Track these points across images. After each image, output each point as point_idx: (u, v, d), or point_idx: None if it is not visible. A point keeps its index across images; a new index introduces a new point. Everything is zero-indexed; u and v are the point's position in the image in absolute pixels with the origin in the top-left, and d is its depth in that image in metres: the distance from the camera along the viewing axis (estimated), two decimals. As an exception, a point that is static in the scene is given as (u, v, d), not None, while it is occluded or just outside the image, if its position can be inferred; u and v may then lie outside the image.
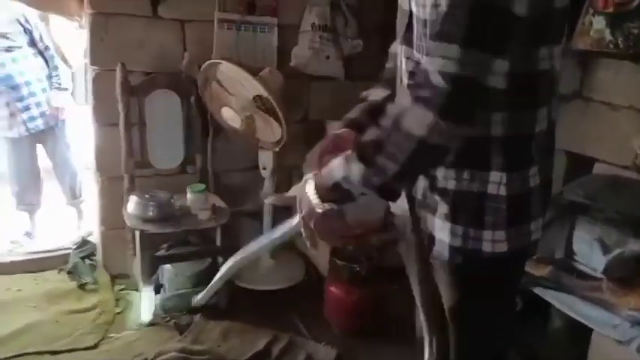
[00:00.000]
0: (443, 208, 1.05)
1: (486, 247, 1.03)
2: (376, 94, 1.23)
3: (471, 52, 0.81)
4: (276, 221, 2.69)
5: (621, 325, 1.84)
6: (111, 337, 2.17)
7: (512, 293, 1.19)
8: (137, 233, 2.15)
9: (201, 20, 2.49)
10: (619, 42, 2.02)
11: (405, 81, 1.08)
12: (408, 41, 1.05)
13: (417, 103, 0.85)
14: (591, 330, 1.95)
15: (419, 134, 0.84)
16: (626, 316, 1.83)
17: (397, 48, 1.16)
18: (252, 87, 2.21)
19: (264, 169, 2.54)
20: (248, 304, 2.44)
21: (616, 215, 1.98)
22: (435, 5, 0.91)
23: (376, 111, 1.14)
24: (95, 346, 2.09)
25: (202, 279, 2.39)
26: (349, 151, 0.95)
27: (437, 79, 0.82)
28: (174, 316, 2.34)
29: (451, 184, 1.03)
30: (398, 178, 0.92)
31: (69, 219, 3.20)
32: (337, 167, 0.96)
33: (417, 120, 0.84)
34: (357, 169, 0.92)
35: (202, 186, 2.36)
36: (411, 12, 1.03)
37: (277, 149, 2.38)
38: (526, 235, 1.05)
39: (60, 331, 2.17)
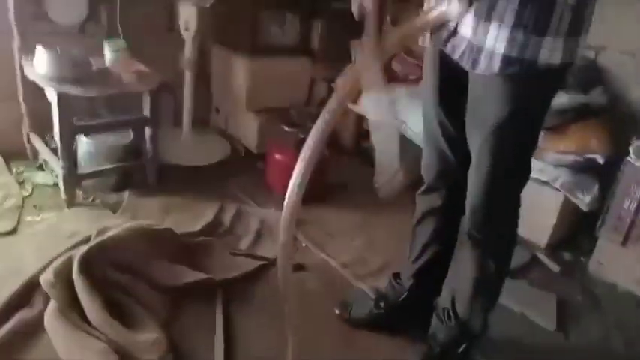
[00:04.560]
0: (505, 12, 1.02)
1: (543, 55, 1.04)
2: None
3: None
4: (197, 93, 2.46)
5: (546, 168, 2.08)
6: (29, 220, 1.84)
7: (549, 107, 1.20)
8: (53, 96, 1.78)
9: None
10: None
11: None
12: None
13: None
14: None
15: None
16: (551, 160, 2.07)
17: None
18: None
19: (187, 30, 2.25)
20: (178, 180, 2.25)
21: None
22: None
23: None
24: (14, 231, 1.76)
25: (126, 155, 2.12)
26: None
27: None
28: (98, 196, 2.07)
29: None
30: None
31: None
32: None
33: None
34: None
35: (122, 42, 2.01)
36: None
37: (208, 4, 2.10)
38: (576, 48, 1.07)
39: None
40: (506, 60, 1.05)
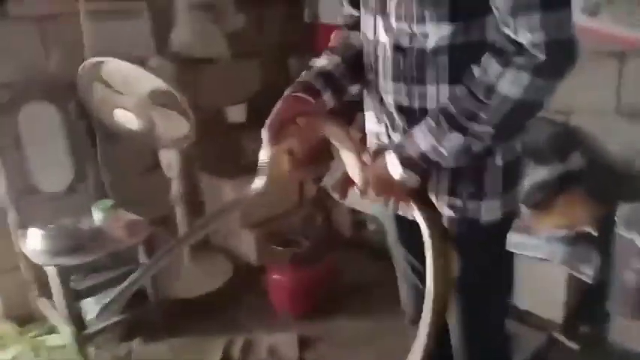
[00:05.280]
0: (439, 183, 1.06)
1: (484, 215, 1.06)
2: (326, 61, 1.17)
3: (553, 14, 0.83)
4: (190, 223, 2.52)
5: (540, 244, 2.06)
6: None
7: (503, 257, 1.23)
8: (52, 271, 1.86)
9: (60, 14, 2.16)
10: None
11: (389, 54, 1.03)
12: (382, 11, 1.01)
13: (510, 68, 0.86)
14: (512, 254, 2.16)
15: (515, 97, 0.86)
16: (545, 236, 2.06)
17: (363, 22, 1.10)
18: (147, 81, 1.99)
19: (170, 169, 2.34)
20: (184, 315, 2.28)
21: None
22: None
23: (328, 76, 1.13)
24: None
25: (130, 303, 2.16)
26: (427, 121, 0.95)
27: (533, 51, 0.84)
28: (109, 348, 2.11)
29: None
30: (495, 140, 0.94)
31: None
32: (422, 139, 0.95)
33: (513, 83, 0.86)
34: (453, 139, 0.93)
35: (109, 202, 2.10)
36: None
37: (185, 145, 2.19)
38: (515, 199, 1.10)
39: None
40: (450, 221, 1.08)
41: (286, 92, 1.11)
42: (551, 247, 2.05)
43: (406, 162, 0.98)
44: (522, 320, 2.12)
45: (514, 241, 2.04)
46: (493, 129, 0.91)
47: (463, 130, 0.91)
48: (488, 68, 0.88)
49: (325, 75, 1.14)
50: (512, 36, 0.86)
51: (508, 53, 0.86)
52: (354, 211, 2.76)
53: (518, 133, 1.03)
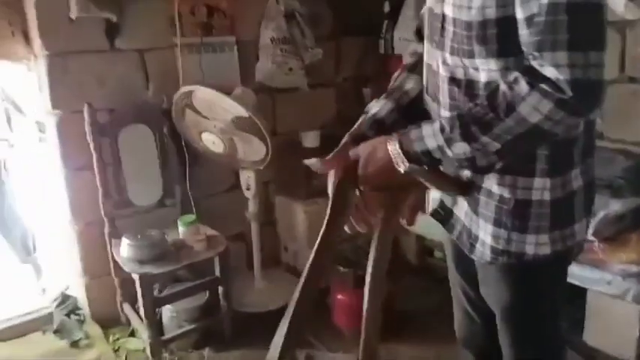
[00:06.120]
0: (486, 209, 1.08)
1: (529, 249, 1.06)
2: (379, 107, 1.21)
3: (580, 54, 0.84)
4: (264, 241, 2.66)
5: (614, 280, 2.01)
6: (124, 391, 2.06)
7: (561, 292, 1.22)
8: (136, 277, 2.04)
9: (160, 48, 2.42)
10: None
11: (446, 86, 1.08)
12: (441, 45, 1.06)
13: (535, 91, 0.86)
14: (585, 290, 2.11)
15: (533, 121, 0.87)
16: (617, 271, 2.00)
17: (425, 55, 1.16)
18: (231, 108, 2.18)
19: (248, 189, 2.51)
20: (253, 328, 2.39)
21: (593, 182, 2.15)
22: (483, 7, 0.93)
23: (381, 123, 1.18)
24: (112, 403, 1.98)
25: (204, 313, 2.33)
26: (441, 122, 0.97)
27: (559, 84, 0.85)
28: (181, 355, 2.26)
29: (495, 188, 1.05)
30: (499, 157, 0.95)
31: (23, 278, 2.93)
32: (429, 136, 0.97)
33: (535, 108, 0.86)
34: (459, 146, 0.94)
35: (193, 216, 2.29)
36: (443, 15, 1.04)
37: (262, 167, 2.35)
38: (569, 237, 1.07)
39: (66, 394, 2.03)
40: (495, 251, 1.09)
41: (344, 140, 1.17)
42: (623, 283, 1.99)
43: (407, 155, 1.00)
44: (591, 357, 2.06)
45: (584, 275, 2.06)
46: (501, 146, 0.91)
47: (473, 140, 0.92)
48: (515, 86, 0.89)
49: (378, 122, 1.19)
50: (540, 69, 0.87)
51: (537, 77, 0.87)
52: (421, 238, 2.79)
53: (522, 154, 1.00)
